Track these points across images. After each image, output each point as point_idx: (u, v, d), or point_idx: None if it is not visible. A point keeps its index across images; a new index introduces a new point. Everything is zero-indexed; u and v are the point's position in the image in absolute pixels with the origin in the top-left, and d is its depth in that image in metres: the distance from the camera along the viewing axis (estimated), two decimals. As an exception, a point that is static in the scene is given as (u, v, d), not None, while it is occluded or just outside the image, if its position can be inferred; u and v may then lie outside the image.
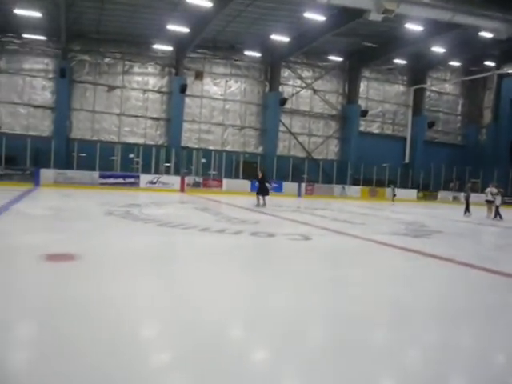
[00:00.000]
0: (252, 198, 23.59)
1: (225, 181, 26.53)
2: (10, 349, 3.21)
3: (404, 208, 22.04)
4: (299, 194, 27.87)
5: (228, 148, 29.35)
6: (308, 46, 26.16)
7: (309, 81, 30.89)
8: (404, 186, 31.50)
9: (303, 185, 28.41)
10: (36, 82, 25.81)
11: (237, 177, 27.76)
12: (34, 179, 22.38)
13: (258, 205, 16.37)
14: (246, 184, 26.49)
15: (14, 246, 6.76)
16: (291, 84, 30.66)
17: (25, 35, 24.53)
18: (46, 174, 22.86)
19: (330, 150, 32.41)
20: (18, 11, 20.73)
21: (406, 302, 4.91)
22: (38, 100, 25.82)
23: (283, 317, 4.07)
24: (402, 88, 33.75)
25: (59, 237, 7.82)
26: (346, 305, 4.60)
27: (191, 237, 8.59)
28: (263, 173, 17.58)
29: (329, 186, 29.72)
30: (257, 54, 27.97)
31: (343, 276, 6.06)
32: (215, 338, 3.45)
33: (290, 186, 27.91)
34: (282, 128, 30.34)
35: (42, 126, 25.90)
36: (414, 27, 22.10)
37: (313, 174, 29.95)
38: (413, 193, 31.22)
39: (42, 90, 25.90)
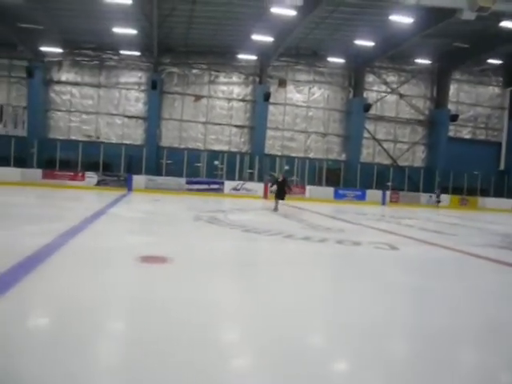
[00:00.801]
0: (333, 205, 23.31)
1: (308, 188, 26.48)
2: (104, 344, 3.48)
3: (498, 218, 20.63)
4: (383, 203, 27.08)
5: (311, 155, 29.27)
6: (394, 49, 25.42)
7: (394, 85, 30.00)
8: (499, 194, 29.44)
9: (388, 193, 27.59)
10: (130, 94, 27.54)
11: (320, 184, 27.61)
12: (127, 185, 23.87)
13: (275, 209, 16.07)
14: (330, 191, 26.26)
15: (112, 247, 7.24)
16: (376, 89, 29.96)
17: (121, 51, 26.30)
18: (138, 179, 24.30)
19: (417, 157, 31.16)
20: (116, 30, 22.29)
21: (502, 318, 4.61)
22: (132, 111, 27.54)
23: (370, 328, 3.99)
24: (496, 90, 31.65)
25: (152, 239, 8.25)
26: (437, 319, 4.41)
27: (276, 243, 8.69)
28: (284, 177, 17.31)
29: (415, 194, 28.58)
30: (340, 60, 27.69)
31: (432, 288, 5.80)
32: (301, 348, 3.48)
33: (373, 193, 27.23)
34: (366, 134, 29.72)
35: (135, 134, 27.56)
36: (510, 25, 20.68)
37: (398, 182, 28.98)
38: (508, 202, 29.08)
39: (136, 102, 27.58)
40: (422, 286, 5.88)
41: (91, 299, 4.32)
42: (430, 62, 28.72)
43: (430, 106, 30.72)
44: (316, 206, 21.71)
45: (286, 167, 27.32)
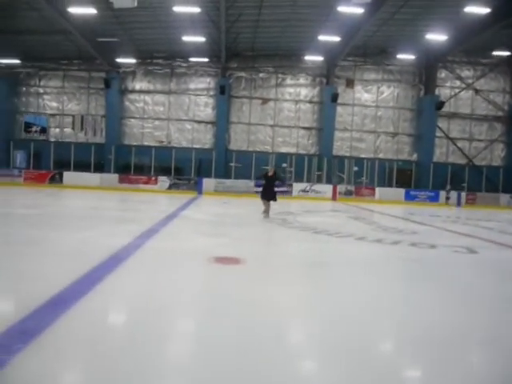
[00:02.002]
0: (403, 207, 22.51)
1: (377, 189, 25.84)
2: (178, 340, 3.60)
3: None
4: (459, 204, 25.82)
5: (380, 156, 28.55)
6: (468, 42, 24.15)
7: (469, 81, 28.56)
8: None
9: (463, 194, 26.28)
10: (199, 99, 28.32)
11: (390, 185, 26.87)
12: (198, 188, 24.54)
13: (265, 212, 12.68)
14: (400, 192, 25.47)
15: (186, 248, 7.46)
16: (449, 85, 28.68)
17: (191, 59, 27.11)
18: (208, 182, 24.90)
19: (495, 156, 29.43)
20: (185, 38, 23.02)
21: None
22: (201, 116, 28.30)
23: (449, 338, 3.84)
24: None
25: (224, 241, 8.42)
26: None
27: (348, 245, 8.56)
28: (275, 171, 13.33)
29: (494, 195, 26.98)
30: (410, 57, 26.75)
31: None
32: (374, 353, 3.41)
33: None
34: (438, 133, 28.51)
35: (205, 139, 28.29)
36: None
37: (474, 182, 27.51)
38: None
39: (205, 107, 28.31)
40: (506, 293, 5.55)
41: (167, 298, 4.49)
42: (508, 53, 27.04)
43: (510, 101, 28.92)
44: (386, 207, 21.14)
45: (355, 168, 26.82)
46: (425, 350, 3.38)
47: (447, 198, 25.30)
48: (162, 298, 4.48)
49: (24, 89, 28.81)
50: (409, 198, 25.89)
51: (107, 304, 4.30)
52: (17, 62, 26.87)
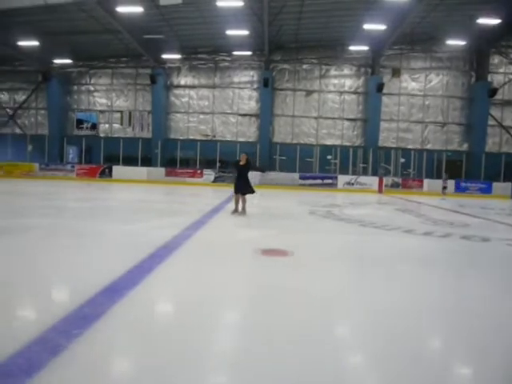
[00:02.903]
0: (453, 199, 21.81)
1: (426, 181, 25.15)
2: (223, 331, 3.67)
3: None
4: (514, 195, 24.76)
5: (428, 146, 27.76)
6: (524, 26, 23.06)
7: (525, 66, 27.24)
8: None
9: (518, 185, 25.17)
10: (243, 92, 28.46)
11: (439, 177, 26.07)
12: (243, 181, 24.70)
13: (235, 210, 10.94)
14: (450, 184, 24.71)
15: (232, 240, 7.56)
16: (502, 71, 27.46)
17: (234, 52, 27.26)
18: (252, 175, 24.96)
19: (553, 144, 28.00)
20: (229, 32, 23.15)
21: None
22: (245, 109, 28.43)
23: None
24: None
25: (270, 233, 8.46)
26: None
27: (396, 238, 8.39)
28: (248, 159, 11.12)
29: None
30: (460, 43, 25.74)
31: None
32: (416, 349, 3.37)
33: (501, 186, 25.00)
34: (491, 122, 27.38)
35: (249, 132, 28.43)
36: None
37: (531, 173, 26.29)
38: None
39: (248, 100, 28.42)
40: None
41: (217, 288, 4.58)
42: None
43: None
44: (435, 199, 20.54)
45: (402, 160, 26.23)
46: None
47: (444, 187, 24.02)
48: (211, 288, 4.58)
49: (75, 87, 29.94)
50: (459, 189, 25.08)
51: (159, 293, 4.43)
52: (69, 61, 27.96)
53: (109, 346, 3.09)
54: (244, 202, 10.87)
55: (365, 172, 26.29)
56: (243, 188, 10.77)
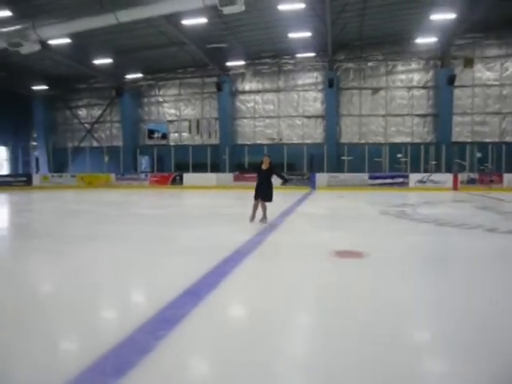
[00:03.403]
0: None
1: (506, 176, 23.60)
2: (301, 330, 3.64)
3: None
4: None
5: (507, 139, 26.08)
6: None
7: None
8: None
9: None
10: (308, 94, 28.33)
11: (521, 170, 24.45)
12: (311, 183, 24.58)
13: (252, 218, 9.79)
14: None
15: (306, 242, 7.53)
16: None
17: (297, 55, 27.22)
18: (321, 177, 24.81)
19: None
20: (291, 35, 23.15)
21: None
22: (311, 111, 28.28)
23: None
24: None
25: (343, 235, 8.35)
26: None
27: (477, 238, 7.97)
28: (271, 162, 9.97)
29: None
30: (540, 27, 24.00)
31: None
32: None
33: None
34: None
35: (315, 133, 28.24)
36: None
37: None
38: None
39: (314, 102, 28.24)
40: None
41: (292, 291, 4.59)
42: None
43: None
44: (518, 195, 19.28)
45: (479, 154, 24.87)
46: None
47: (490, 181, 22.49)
48: (287, 291, 4.59)
49: (146, 99, 31.30)
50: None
51: (236, 296, 4.51)
52: (139, 76, 29.27)
53: (190, 348, 3.20)
54: (265, 208, 9.78)
55: (438, 169, 25.19)
56: (265, 194, 9.74)
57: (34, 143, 34.16)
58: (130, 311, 4.05)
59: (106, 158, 29.42)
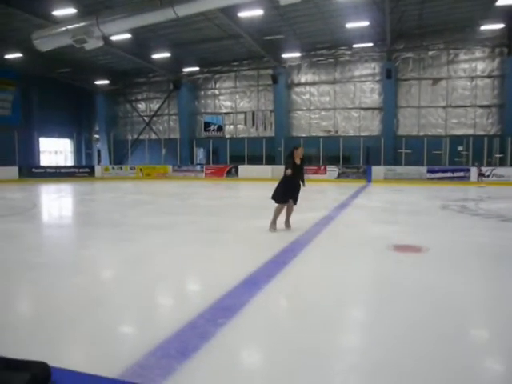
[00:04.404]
0: None
1: None
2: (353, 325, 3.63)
3: None
4: None
5: None
6: None
7: None
8: None
9: None
10: (365, 86, 27.75)
11: None
12: (367, 176, 24.17)
13: (272, 225, 7.80)
14: None
15: (364, 235, 7.46)
16: None
17: (354, 45, 26.69)
18: (377, 170, 24.33)
19: None
20: (348, 25, 22.74)
21: None
22: (368, 102, 27.70)
23: None
24: None
25: (402, 228, 8.20)
26: None
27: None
28: (303, 155, 8.19)
29: None
30: None
31: None
32: None
33: None
34: None
35: (372, 126, 27.65)
36: None
37: None
38: None
39: (371, 93, 27.63)
40: None
41: (350, 284, 4.58)
42: None
43: None
44: None
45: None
46: None
47: (480, 175, 22.35)
48: (345, 284, 4.59)
49: (202, 92, 31.84)
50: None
51: (293, 285, 4.57)
52: (196, 69, 29.79)
53: (251, 336, 3.29)
54: (290, 212, 8.00)
55: (502, 163, 24.01)
56: (297, 194, 7.96)
57: (96, 136, 35.73)
58: (190, 299, 4.21)
59: (164, 150, 30.26)
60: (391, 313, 3.69)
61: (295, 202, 7.92)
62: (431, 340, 3.10)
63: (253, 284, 4.42)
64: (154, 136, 33.45)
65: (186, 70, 30.02)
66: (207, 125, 31.57)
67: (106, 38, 19.21)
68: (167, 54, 26.17)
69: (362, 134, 27.48)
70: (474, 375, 2.66)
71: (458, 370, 2.68)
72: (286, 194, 7.78)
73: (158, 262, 5.60)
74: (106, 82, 32.07)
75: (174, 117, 33.02)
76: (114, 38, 21.38)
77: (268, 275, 4.74)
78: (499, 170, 22.86)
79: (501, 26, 23.75)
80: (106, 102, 34.28)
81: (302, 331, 3.31)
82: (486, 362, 2.88)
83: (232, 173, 27.14)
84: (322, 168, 25.41)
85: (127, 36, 21.51)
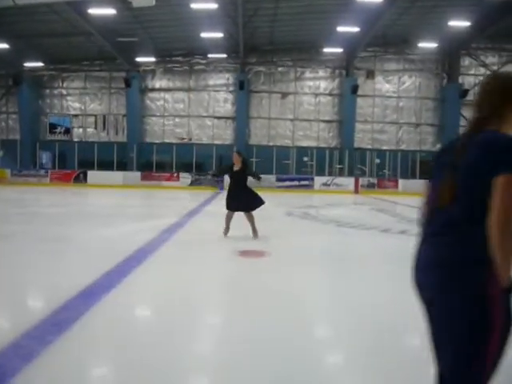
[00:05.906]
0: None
1: (401, 181, 25.48)
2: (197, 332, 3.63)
3: None
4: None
5: (403, 147, 28.14)
6: (492, 28, 23.51)
7: (495, 67, 27.82)
8: None
9: None
10: (219, 95, 28.39)
11: (413, 177, 26.45)
12: (219, 184, 24.61)
13: (227, 231, 8.07)
14: (424, 184, 25.09)
15: (211, 241, 7.52)
16: (473, 73, 28.03)
17: (209, 55, 27.14)
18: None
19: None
20: (203, 34, 23.05)
21: None
22: (221, 111, 28.36)
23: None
24: None
25: (248, 234, 8.44)
26: None
27: (373, 238, 8.48)
28: (244, 160, 8.08)
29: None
30: (432, 45, 26.13)
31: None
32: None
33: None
34: (463, 122, 27.88)
35: (225, 134, 28.35)
36: None
37: None
38: None
39: (224, 103, 28.36)
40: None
41: (192, 290, 4.54)
42: (536, 38, 26.26)
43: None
44: (409, 199, 20.83)
45: (377, 160, 26.54)
46: None
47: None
48: (187, 290, 4.53)
49: (48, 91, 29.38)
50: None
51: (135, 297, 4.36)
52: (40, 65, 27.34)
53: (83, 351, 3.02)
54: (252, 220, 7.99)
55: (341, 173, 26.51)
56: (246, 202, 7.79)
57: None
58: (20, 314, 3.74)
59: (1, 153, 27.15)
60: (236, 313, 3.72)
61: (247, 210, 7.84)
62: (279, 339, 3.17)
63: (91, 295, 4.11)
64: (-12, 136, 29.84)
65: (29, 64, 27.34)
66: (53, 126, 29.13)
67: None
68: (5, 45, 23.50)
69: (216, 142, 28.00)
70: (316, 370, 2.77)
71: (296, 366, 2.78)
72: (229, 203, 7.90)
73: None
74: None
75: (14, 115, 29.76)
76: None
77: (108, 286, 4.46)
78: (338, 180, 25.17)
79: (340, 50, 26.32)
80: None
81: (141, 344, 3.13)
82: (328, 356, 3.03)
83: (80, 178, 25.48)
84: (175, 175, 25.24)
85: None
